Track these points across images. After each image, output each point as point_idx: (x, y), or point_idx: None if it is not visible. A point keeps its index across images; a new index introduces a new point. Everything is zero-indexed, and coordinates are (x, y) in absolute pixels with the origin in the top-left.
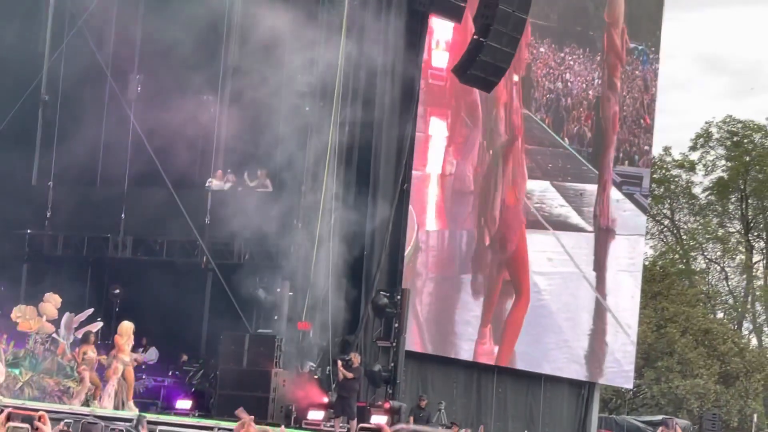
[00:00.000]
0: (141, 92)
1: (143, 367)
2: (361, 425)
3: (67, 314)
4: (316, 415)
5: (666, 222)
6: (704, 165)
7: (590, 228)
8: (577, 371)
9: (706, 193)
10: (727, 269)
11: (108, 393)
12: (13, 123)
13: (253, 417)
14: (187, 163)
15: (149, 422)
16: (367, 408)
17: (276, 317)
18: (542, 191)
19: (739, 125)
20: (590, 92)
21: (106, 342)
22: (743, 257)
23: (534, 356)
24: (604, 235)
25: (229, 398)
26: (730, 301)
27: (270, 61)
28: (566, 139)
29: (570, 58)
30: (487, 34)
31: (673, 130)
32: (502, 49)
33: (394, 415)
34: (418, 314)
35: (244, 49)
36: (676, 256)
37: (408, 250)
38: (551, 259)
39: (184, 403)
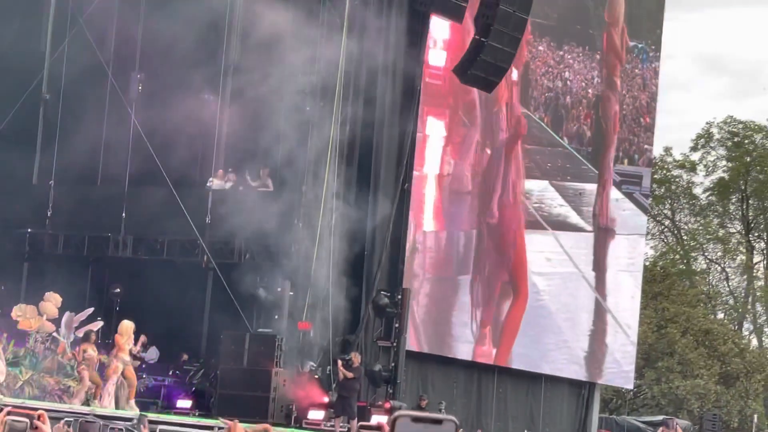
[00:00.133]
0: (142, 91)
1: (143, 366)
2: (361, 423)
3: (67, 313)
4: (316, 414)
5: (667, 222)
6: (705, 165)
7: (590, 228)
8: (576, 372)
9: (707, 193)
10: (727, 270)
11: (108, 392)
12: (14, 122)
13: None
14: (188, 162)
15: (150, 421)
16: (368, 408)
17: (276, 316)
18: (541, 191)
19: (740, 126)
20: (590, 91)
21: (106, 341)
22: (744, 258)
23: (533, 357)
24: (603, 234)
25: (229, 398)
26: (731, 301)
27: (271, 60)
28: (565, 138)
29: (569, 56)
30: (488, 34)
31: (673, 130)
32: (503, 49)
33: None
34: (415, 316)
35: (245, 47)
36: (677, 256)
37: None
38: (550, 259)
39: (184, 403)
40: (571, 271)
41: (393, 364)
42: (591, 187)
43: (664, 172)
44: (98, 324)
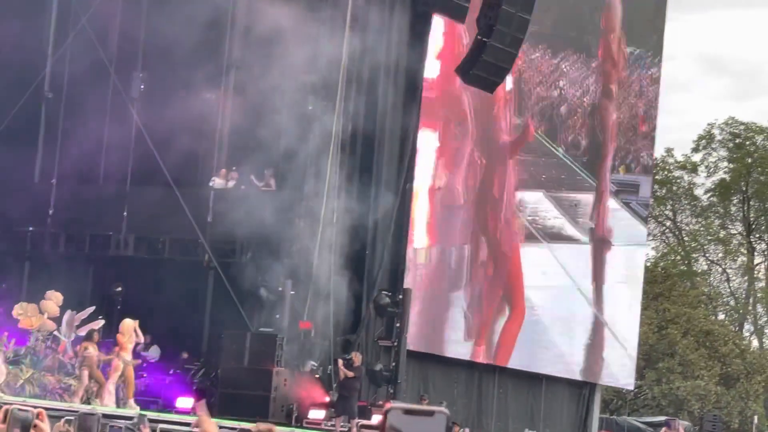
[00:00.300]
0: (144, 90)
1: (144, 365)
2: (361, 423)
3: (68, 312)
4: (317, 414)
5: (668, 223)
6: (706, 167)
7: (586, 239)
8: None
9: (708, 194)
10: (728, 271)
11: (109, 391)
12: (16, 120)
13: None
14: (190, 161)
15: (150, 420)
16: (368, 407)
17: (277, 316)
18: (535, 203)
19: (742, 127)
20: (585, 99)
21: (107, 340)
22: (745, 259)
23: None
24: (600, 245)
25: (230, 397)
26: (732, 302)
27: (273, 57)
28: (561, 147)
29: (564, 64)
30: (490, 34)
31: (674, 131)
32: (505, 50)
33: None
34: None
35: (247, 46)
36: (678, 257)
37: None
38: (545, 272)
39: (185, 402)
40: (567, 284)
41: (394, 364)
42: (587, 198)
43: (666, 173)
44: (99, 323)
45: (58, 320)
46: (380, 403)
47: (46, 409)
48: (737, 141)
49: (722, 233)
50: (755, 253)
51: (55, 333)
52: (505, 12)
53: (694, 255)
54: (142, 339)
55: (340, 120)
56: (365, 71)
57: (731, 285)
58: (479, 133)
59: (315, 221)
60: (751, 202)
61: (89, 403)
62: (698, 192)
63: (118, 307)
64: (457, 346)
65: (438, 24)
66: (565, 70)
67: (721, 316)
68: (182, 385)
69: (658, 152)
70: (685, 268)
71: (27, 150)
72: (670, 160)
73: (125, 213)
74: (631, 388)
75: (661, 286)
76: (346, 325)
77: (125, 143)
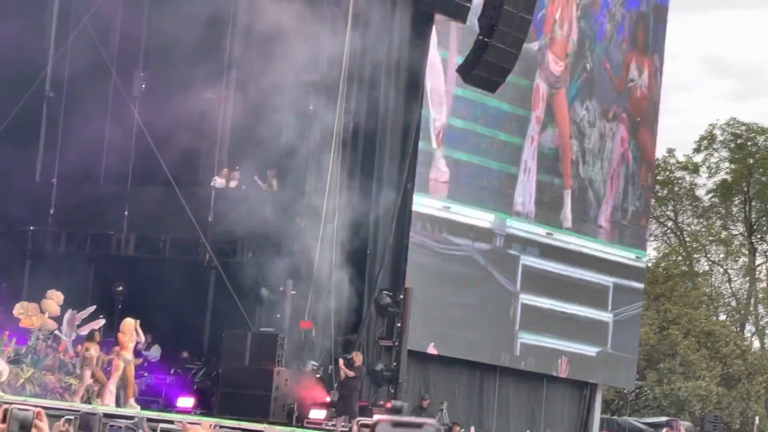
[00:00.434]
0: (145, 89)
1: (145, 364)
2: (360, 421)
3: (69, 311)
4: (317, 414)
5: (669, 224)
6: (708, 167)
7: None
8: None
9: (710, 195)
10: (730, 271)
11: (110, 390)
12: (17, 120)
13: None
14: (191, 160)
15: (151, 420)
16: (369, 407)
17: (278, 316)
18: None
19: (743, 128)
20: None
21: (108, 339)
22: (746, 259)
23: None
24: None
25: (231, 396)
26: (733, 303)
27: (274, 56)
28: None
29: None
30: (492, 35)
31: (676, 131)
32: (507, 50)
33: (396, 414)
34: None
35: (248, 44)
36: (679, 258)
37: None
38: None
39: (185, 401)
40: None
41: (395, 364)
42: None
43: (667, 173)
44: (100, 322)
45: (59, 319)
46: (381, 403)
47: (47, 408)
48: (739, 142)
49: (724, 234)
50: (757, 254)
51: (56, 332)
52: (506, 12)
53: (695, 255)
54: (142, 338)
55: (342, 118)
56: (366, 69)
57: (732, 286)
58: None
59: (316, 220)
60: (752, 203)
61: (90, 403)
62: (700, 192)
63: (119, 306)
64: (458, 346)
65: None
66: None
67: (723, 317)
68: (183, 384)
69: (660, 153)
70: (686, 268)
71: (28, 149)
72: (672, 161)
73: (126, 212)
74: (632, 388)
75: (662, 286)
76: (347, 325)
77: (126, 142)
